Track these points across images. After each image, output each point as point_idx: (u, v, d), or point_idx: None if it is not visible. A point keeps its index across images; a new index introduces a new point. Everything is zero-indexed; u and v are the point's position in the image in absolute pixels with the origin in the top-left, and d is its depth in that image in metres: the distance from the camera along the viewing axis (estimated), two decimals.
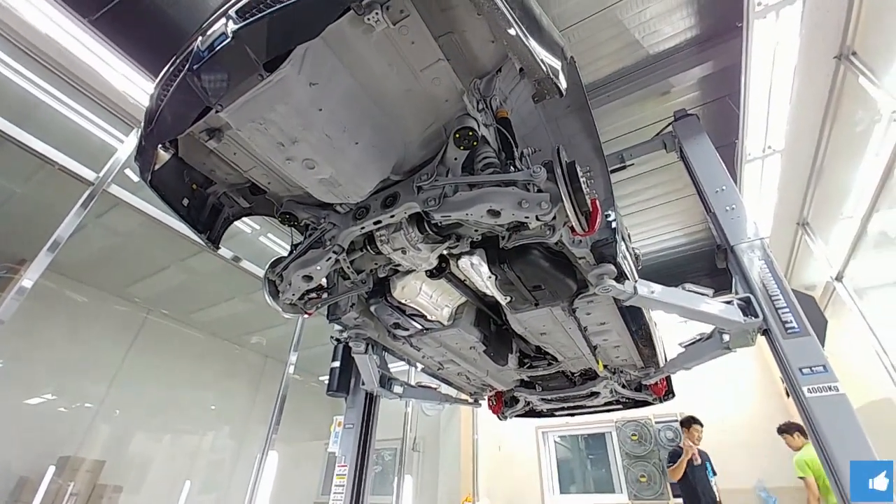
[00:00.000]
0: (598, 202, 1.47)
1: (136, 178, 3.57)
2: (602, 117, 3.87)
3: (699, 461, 4.35)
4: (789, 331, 2.17)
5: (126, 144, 3.58)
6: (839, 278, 4.34)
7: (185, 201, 1.86)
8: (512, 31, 1.13)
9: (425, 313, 2.36)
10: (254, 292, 5.50)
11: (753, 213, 2.74)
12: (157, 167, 1.64)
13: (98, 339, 5.21)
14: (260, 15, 1.16)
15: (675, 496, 4.57)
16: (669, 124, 3.36)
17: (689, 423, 4.66)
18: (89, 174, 3.28)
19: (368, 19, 1.14)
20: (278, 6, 1.14)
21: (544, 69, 1.21)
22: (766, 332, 2.24)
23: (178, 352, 6.04)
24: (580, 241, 1.73)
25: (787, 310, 2.23)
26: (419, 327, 2.43)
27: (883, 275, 3.78)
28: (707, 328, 2.42)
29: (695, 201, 4.18)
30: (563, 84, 1.28)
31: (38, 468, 4.21)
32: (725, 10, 3.09)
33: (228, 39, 1.18)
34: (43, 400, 4.68)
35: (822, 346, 2.14)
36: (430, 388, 3.60)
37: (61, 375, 4.80)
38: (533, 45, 1.19)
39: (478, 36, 1.40)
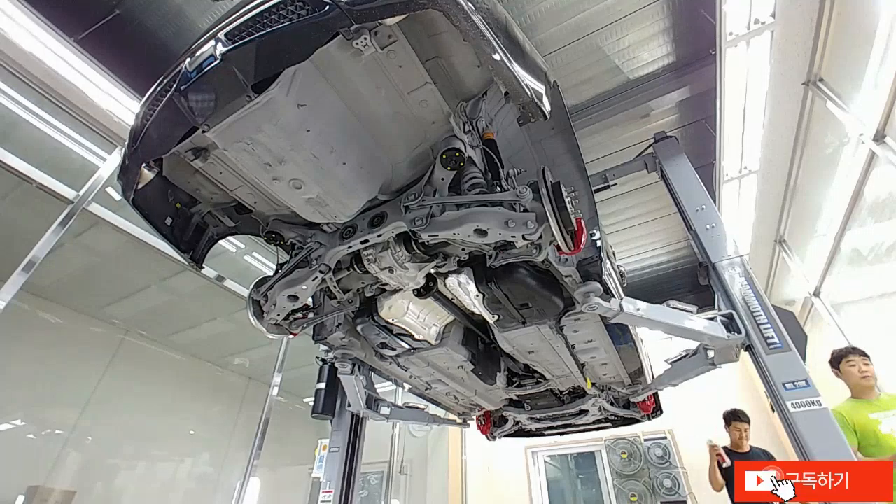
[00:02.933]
0: (582, 221, 1.50)
1: (117, 197, 3.52)
2: (585, 139, 3.97)
3: (727, 462, 3.54)
4: (771, 346, 2.21)
5: (109, 163, 3.53)
6: (817, 294, 4.46)
7: (169, 220, 1.83)
8: (497, 57, 1.16)
9: (413, 332, 2.34)
10: (237, 312, 5.38)
11: (732, 231, 2.81)
12: (140, 186, 1.61)
13: (71, 362, 5.00)
14: (249, 38, 1.17)
15: None
16: (650, 146, 3.46)
17: (728, 420, 3.91)
18: (69, 192, 3.22)
19: (357, 44, 1.16)
20: (267, 30, 1.15)
21: (528, 93, 1.24)
22: (749, 347, 2.28)
23: (155, 374, 5.83)
24: (566, 259, 1.75)
25: (768, 325, 2.27)
26: (406, 347, 2.41)
27: (858, 290, 3.89)
28: (692, 344, 2.45)
29: (676, 220, 4.28)
30: (546, 107, 1.31)
31: (5, 498, 3.98)
32: (699, 38, 3.24)
33: (217, 61, 1.19)
34: (11, 426, 4.45)
35: (804, 360, 2.18)
36: (417, 408, 3.54)
37: (32, 400, 4.58)
38: (517, 69, 1.22)
39: (464, 61, 1.44)
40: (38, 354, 4.67)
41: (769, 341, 2.22)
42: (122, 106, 3.35)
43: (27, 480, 4.27)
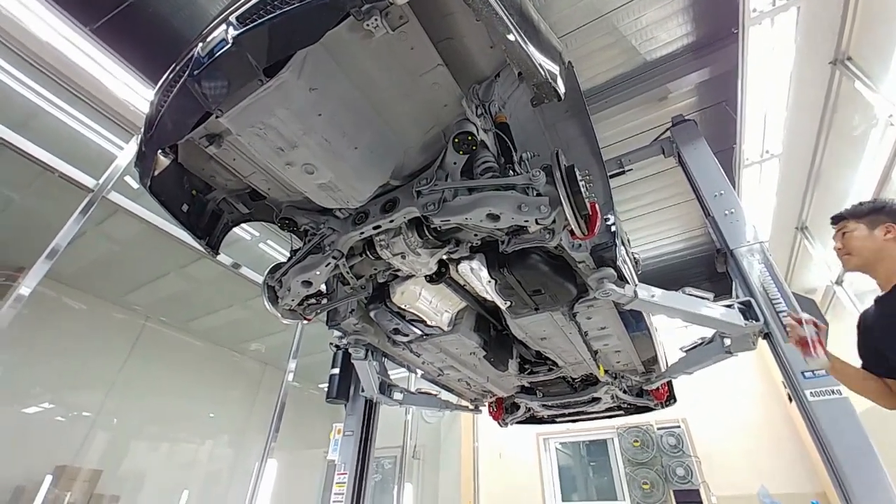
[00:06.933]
0: (597, 206, 1.47)
1: (135, 185, 3.58)
2: (600, 123, 3.89)
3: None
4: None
5: (126, 151, 3.59)
6: (839, 282, 4.34)
7: (185, 207, 1.85)
8: (511, 37, 1.13)
9: (425, 318, 2.35)
10: (253, 299, 5.47)
11: (752, 217, 2.74)
12: (156, 173, 1.63)
13: (96, 347, 5.17)
14: (260, 21, 1.16)
15: None
16: (667, 130, 3.38)
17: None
18: (89, 181, 3.29)
19: (368, 25, 1.14)
20: (278, 12, 1.14)
21: (543, 73, 1.21)
22: (767, 335, 2.23)
23: (176, 359, 6.00)
24: (580, 244, 1.73)
25: (787, 313, 2.22)
26: (419, 333, 2.42)
27: None
28: (708, 332, 2.41)
29: (693, 206, 4.19)
30: (561, 88, 1.28)
31: (35, 477, 4.17)
32: (721, 16, 3.12)
33: (229, 45, 1.19)
34: (40, 409, 4.64)
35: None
36: (430, 394, 3.57)
37: (59, 384, 4.76)
38: (531, 50, 1.19)
39: (477, 41, 1.41)
40: (64, 339, 4.84)
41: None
42: (137, 95, 3.40)
43: (56, 460, 4.47)
